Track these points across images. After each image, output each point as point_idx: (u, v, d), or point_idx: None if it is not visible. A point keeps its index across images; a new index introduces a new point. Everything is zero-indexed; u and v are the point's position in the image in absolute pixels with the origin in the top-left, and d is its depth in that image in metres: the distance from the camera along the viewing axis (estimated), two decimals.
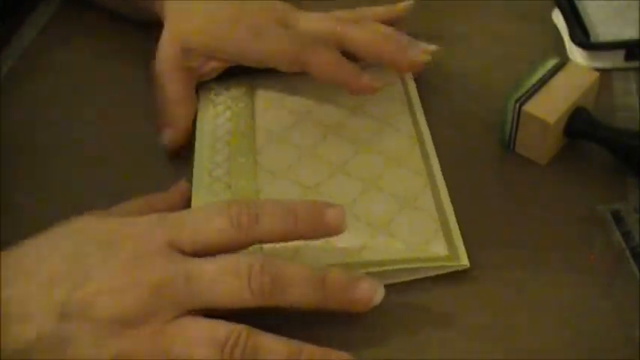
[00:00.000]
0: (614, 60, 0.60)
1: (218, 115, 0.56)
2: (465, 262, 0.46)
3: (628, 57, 0.59)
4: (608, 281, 0.45)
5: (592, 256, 0.47)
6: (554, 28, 0.64)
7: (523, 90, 0.52)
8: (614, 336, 0.43)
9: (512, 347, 0.43)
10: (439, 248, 0.47)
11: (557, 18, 0.64)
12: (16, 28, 0.68)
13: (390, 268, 0.45)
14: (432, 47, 0.56)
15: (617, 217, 0.48)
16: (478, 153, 0.54)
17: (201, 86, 0.58)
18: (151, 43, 0.57)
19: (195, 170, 0.52)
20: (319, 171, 0.52)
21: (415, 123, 0.56)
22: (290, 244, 0.44)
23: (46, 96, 0.61)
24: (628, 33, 0.60)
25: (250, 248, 0.42)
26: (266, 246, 0.44)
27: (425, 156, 0.53)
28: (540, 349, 0.43)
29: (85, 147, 0.57)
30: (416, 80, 0.60)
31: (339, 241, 0.45)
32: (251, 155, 0.52)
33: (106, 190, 0.53)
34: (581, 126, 0.52)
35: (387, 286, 0.44)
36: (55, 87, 0.62)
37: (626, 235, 0.47)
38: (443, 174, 0.52)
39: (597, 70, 0.54)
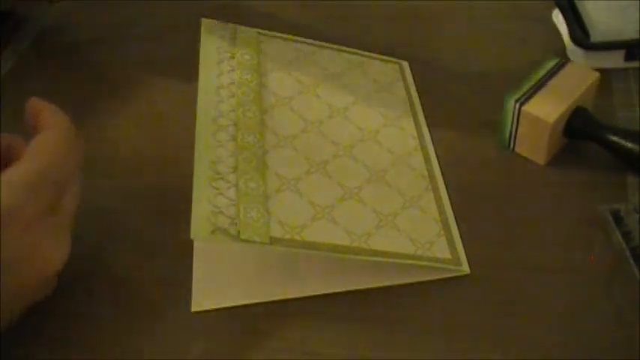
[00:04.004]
0: (614, 60, 0.60)
1: (222, 61, 0.54)
2: (466, 268, 0.46)
3: (628, 57, 0.59)
4: (608, 281, 0.45)
5: (592, 257, 0.47)
6: (554, 28, 0.64)
7: (523, 90, 0.52)
8: (614, 336, 0.43)
9: (511, 347, 0.43)
10: (442, 251, 0.47)
11: (557, 18, 0.64)
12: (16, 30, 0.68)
13: (395, 261, 0.45)
14: None
15: (617, 217, 0.48)
16: (478, 153, 0.54)
17: (205, 24, 0.56)
18: None
19: (198, 113, 0.50)
20: (325, 149, 0.51)
21: (417, 123, 0.56)
22: (296, 220, 0.44)
23: None
24: (628, 33, 0.60)
25: (251, 220, 0.42)
26: (272, 226, 0.44)
27: (426, 158, 0.53)
28: (540, 349, 0.43)
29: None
30: (416, 80, 0.60)
31: (345, 222, 0.45)
32: (259, 113, 0.51)
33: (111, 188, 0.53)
34: (581, 126, 0.52)
35: (387, 286, 0.44)
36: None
37: (626, 235, 0.47)
38: (443, 174, 0.52)
39: (597, 70, 0.54)
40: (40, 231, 0.39)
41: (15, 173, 0.39)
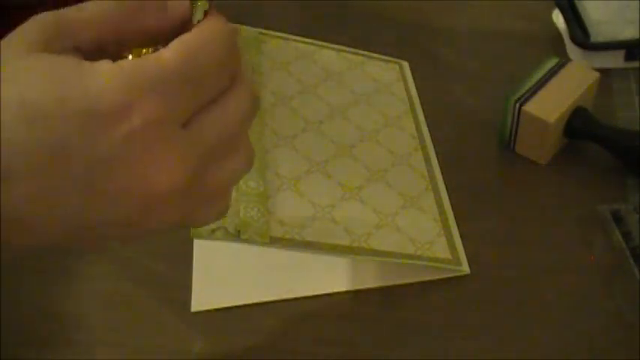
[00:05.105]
0: (614, 60, 0.60)
1: None
2: (465, 268, 0.46)
3: (628, 57, 0.59)
4: (608, 281, 0.45)
5: (592, 257, 0.47)
6: (554, 28, 0.64)
7: (523, 90, 0.52)
8: (614, 336, 0.43)
9: (512, 347, 0.43)
10: (442, 251, 0.47)
11: (557, 18, 0.64)
12: None
13: (395, 260, 0.45)
14: None
15: (617, 217, 0.48)
16: (478, 153, 0.54)
17: None
18: None
19: None
20: (325, 148, 0.51)
21: (416, 123, 0.56)
22: (296, 219, 0.44)
23: None
24: (628, 33, 0.60)
25: (251, 220, 0.42)
26: (273, 225, 0.44)
27: (426, 158, 0.53)
28: (540, 349, 0.43)
29: None
30: (416, 80, 0.60)
31: (346, 222, 0.46)
32: (259, 112, 0.50)
33: None
34: (581, 126, 0.52)
35: (387, 286, 0.44)
36: None
37: (626, 235, 0.47)
38: (443, 173, 0.52)
39: (597, 70, 0.54)
40: (150, 141, 0.29)
41: (147, 64, 0.29)
